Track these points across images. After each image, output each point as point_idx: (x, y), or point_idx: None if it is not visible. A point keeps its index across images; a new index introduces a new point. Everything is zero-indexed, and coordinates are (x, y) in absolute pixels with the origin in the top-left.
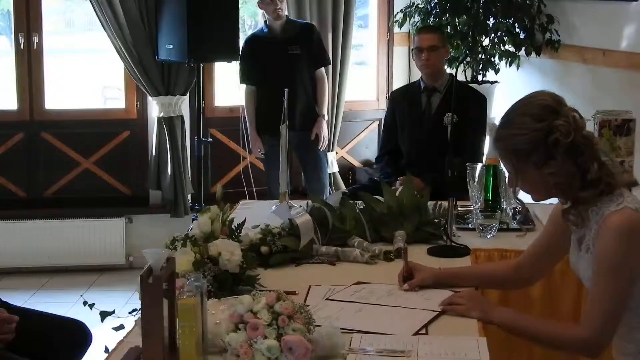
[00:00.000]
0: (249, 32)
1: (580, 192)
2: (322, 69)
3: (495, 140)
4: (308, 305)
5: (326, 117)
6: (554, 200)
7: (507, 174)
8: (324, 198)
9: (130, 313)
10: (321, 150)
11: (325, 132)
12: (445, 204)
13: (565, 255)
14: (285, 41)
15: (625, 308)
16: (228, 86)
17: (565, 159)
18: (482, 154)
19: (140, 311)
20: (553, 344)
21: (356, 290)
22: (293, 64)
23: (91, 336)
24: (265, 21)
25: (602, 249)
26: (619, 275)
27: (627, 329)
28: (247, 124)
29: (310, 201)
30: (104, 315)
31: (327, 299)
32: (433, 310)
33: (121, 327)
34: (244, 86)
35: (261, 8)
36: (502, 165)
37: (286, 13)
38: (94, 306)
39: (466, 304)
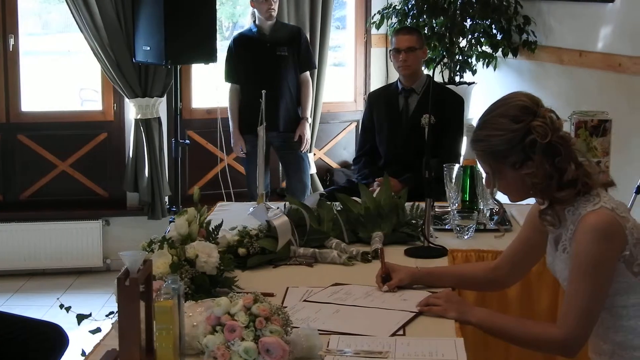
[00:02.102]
0: (227, 34)
1: (557, 193)
2: (308, 73)
3: (472, 141)
4: (285, 307)
5: (309, 121)
6: (532, 201)
7: (484, 175)
8: (303, 199)
9: (107, 316)
10: (303, 152)
11: (308, 134)
12: (422, 205)
13: (542, 257)
14: (274, 42)
15: (601, 308)
16: (205, 88)
17: (543, 160)
18: (460, 155)
19: (117, 314)
20: (530, 344)
21: (334, 291)
22: (280, 66)
23: (68, 339)
24: (254, 21)
25: (579, 249)
26: (596, 274)
27: (603, 329)
28: (230, 122)
29: (287, 203)
30: (80, 318)
31: (304, 301)
32: (410, 311)
33: (98, 330)
34: (223, 87)
35: (253, 7)
36: (479, 166)
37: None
38: (71, 309)
39: (443, 305)
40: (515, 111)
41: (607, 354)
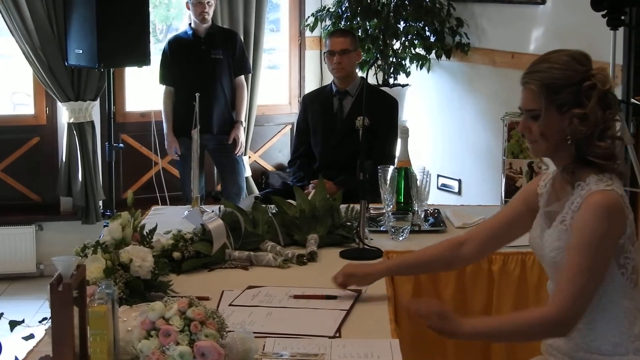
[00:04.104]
0: (161, 37)
1: (598, 142)
2: (242, 76)
3: (528, 73)
4: (222, 311)
5: (244, 124)
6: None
7: (522, 118)
8: (239, 202)
9: (40, 322)
10: (237, 154)
11: (242, 137)
12: (357, 207)
13: (518, 237)
14: (209, 45)
15: (597, 288)
16: (139, 91)
17: (596, 107)
18: (394, 157)
19: (50, 320)
20: (527, 333)
21: (253, 294)
22: (214, 68)
23: (0, 346)
24: (190, 24)
25: (582, 225)
26: (597, 251)
27: (594, 323)
28: (164, 124)
29: (222, 206)
30: (13, 324)
31: (230, 305)
32: (341, 310)
33: (31, 336)
34: (157, 90)
35: (188, 9)
36: (414, 168)
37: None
38: (3, 315)
39: (436, 322)
40: (579, 56)
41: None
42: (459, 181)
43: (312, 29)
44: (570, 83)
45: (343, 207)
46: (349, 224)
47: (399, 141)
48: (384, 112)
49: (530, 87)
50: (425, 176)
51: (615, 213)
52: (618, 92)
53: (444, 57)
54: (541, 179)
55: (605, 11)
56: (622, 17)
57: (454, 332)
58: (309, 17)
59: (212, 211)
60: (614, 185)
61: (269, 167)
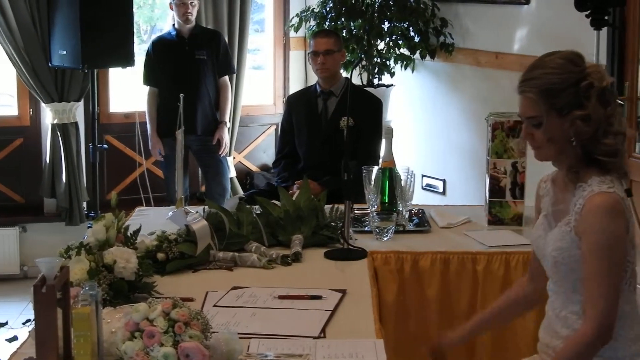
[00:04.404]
0: (145, 38)
1: (603, 139)
2: (227, 77)
3: (523, 81)
4: (206, 312)
5: (228, 125)
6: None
7: (524, 127)
8: (223, 203)
9: (24, 324)
10: (222, 155)
11: (227, 138)
12: (342, 207)
13: None
14: (193, 46)
15: (621, 283)
16: (123, 92)
17: (597, 105)
18: (379, 157)
19: (34, 321)
20: (581, 357)
21: (238, 295)
22: (198, 69)
23: None
24: (173, 24)
25: (590, 230)
26: (612, 251)
27: (567, 312)
28: (148, 125)
29: (206, 207)
30: None
31: (214, 306)
32: (326, 310)
33: (14, 338)
34: (141, 91)
35: (172, 9)
36: (398, 168)
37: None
38: None
39: None
40: (572, 56)
41: (563, 339)
42: (444, 181)
43: (296, 30)
44: (568, 85)
45: (327, 207)
46: (333, 224)
47: (383, 141)
48: (368, 113)
49: (528, 96)
50: (409, 176)
51: (617, 214)
52: None
53: (428, 57)
54: (541, 183)
55: (589, 11)
56: (606, 17)
57: None
58: (293, 17)
59: (197, 212)
60: (616, 187)
61: (254, 168)
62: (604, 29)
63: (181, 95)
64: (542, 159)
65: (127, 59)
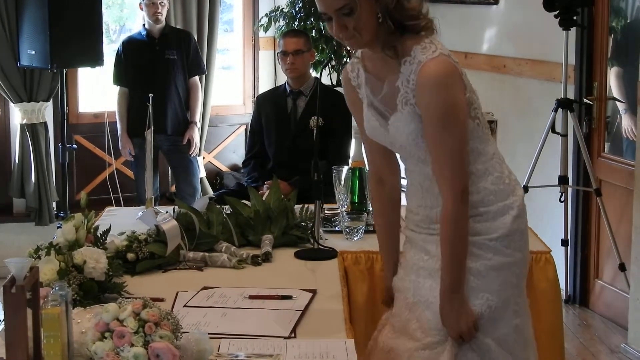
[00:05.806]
0: (114, 37)
1: (406, 7)
2: (197, 77)
3: None
4: (176, 312)
5: (198, 125)
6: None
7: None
8: (193, 203)
9: None
10: (192, 155)
11: (197, 138)
12: (312, 207)
13: None
14: (163, 46)
15: (467, 146)
16: (92, 92)
17: None
18: (348, 157)
19: (3, 322)
20: (458, 237)
21: (208, 295)
22: (168, 69)
23: None
24: (144, 24)
25: (429, 101)
26: (454, 119)
27: (471, 180)
28: (118, 125)
29: (176, 207)
30: None
31: (185, 306)
32: (296, 310)
33: None
34: (110, 90)
35: (142, 9)
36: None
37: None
38: None
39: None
40: None
41: (477, 203)
42: None
43: (265, 30)
44: None
45: (297, 207)
46: (303, 224)
47: (353, 141)
48: (338, 113)
49: None
50: None
51: (452, 76)
52: (570, 92)
53: None
54: (347, 75)
55: (558, 12)
56: (574, 18)
57: (468, 313)
58: (262, 17)
59: (167, 212)
60: (438, 48)
61: (224, 168)
62: (573, 29)
63: (151, 95)
64: (359, 46)
65: (96, 59)
